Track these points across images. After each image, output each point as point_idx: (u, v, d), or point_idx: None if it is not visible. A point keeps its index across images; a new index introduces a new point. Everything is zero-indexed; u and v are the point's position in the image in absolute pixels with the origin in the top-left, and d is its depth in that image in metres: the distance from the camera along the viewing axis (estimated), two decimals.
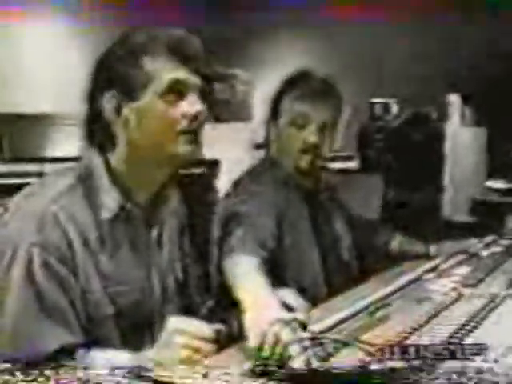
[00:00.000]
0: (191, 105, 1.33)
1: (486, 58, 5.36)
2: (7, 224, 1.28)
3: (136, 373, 1.07)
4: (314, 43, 6.24)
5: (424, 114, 4.81)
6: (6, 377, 1.05)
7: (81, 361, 1.21)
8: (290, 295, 1.43)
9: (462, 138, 4.94)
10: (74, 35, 5.10)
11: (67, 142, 3.70)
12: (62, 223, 1.25)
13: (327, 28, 5.89)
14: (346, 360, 1.10)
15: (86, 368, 1.12)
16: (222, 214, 1.82)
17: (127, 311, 1.33)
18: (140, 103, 1.31)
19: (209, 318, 1.43)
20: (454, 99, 4.92)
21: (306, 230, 1.93)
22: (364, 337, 1.25)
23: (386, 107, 5.21)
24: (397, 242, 2.20)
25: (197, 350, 1.17)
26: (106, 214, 1.32)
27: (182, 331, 1.18)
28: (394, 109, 5.18)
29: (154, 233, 1.42)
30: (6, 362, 1.12)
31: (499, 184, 4.71)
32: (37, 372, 1.06)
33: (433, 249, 2.13)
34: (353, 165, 5.01)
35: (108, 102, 1.32)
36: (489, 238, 2.26)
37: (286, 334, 1.15)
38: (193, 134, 1.34)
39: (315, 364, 1.08)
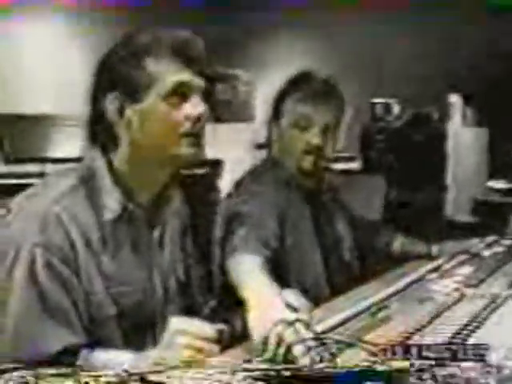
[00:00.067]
0: (194, 107, 1.33)
1: (486, 58, 5.36)
2: (10, 224, 1.28)
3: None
4: (314, 43, 6.24)
5: (425, 115, 4.82)
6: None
7: (83, 361, 1.21)
8: (292, 295, 1.43)
9: (463, 138, 4.95)
10: (74, 35, 5.10)
11: (68, 143, 3.70)
12: (64, 224, 1.25)
13: (327, 28, 5.89)
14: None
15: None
16: (224, 214, 1.82)
17: (129, 312, 1.33)
18: (143, 105, 1.31)
19: (211, 318, 1.43)
20: (456, 99, 4.93)
21: (308, 231, 1.92)
22: (367, 337, 1.25)
23: (387, 108, 5.22)
24: (399, 243, 2.20)
25: (199, 351, 1.16)
26: (108, 215, 1.32)
27: (184, 331, 1.18)
28: (396, 109, 5.18)
29: (156, 233, 1.42)
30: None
31: (500, 184, 4.72)
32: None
33: (435, 249, 2.13)
34: (355, 165, 5.01)
35: (111, 103, 1.32)
36: (490, 238, 2.25)
37: (289, 335, 1.15)
38: (195, 136, 1.34)
39: (318, 364, 1.08)
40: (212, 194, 3.76)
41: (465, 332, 1.27)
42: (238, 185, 1.94)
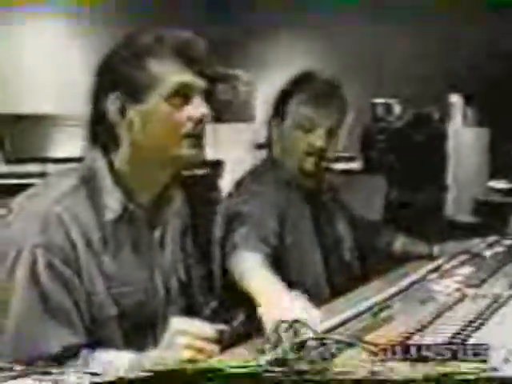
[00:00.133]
0: (197, 108, 1.33)
1: (486, 58, 5.36)
2: (11, 225, 1.28)
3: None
4: (315, 43, 6.24)
5: (426, 115, 4.82)
6: None
7: (84, 361, 1.21)
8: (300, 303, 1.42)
9: (464, 138, 4.95)
10: (74, 35, 5.10)
11: (69, 143, 3.70)
12: (65, 224, 1.25)
13: (327, 28, 5.89)
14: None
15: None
16: (225, 213, 1.82)
17: (130, 312, 1.33)
18: (145, 106, 1.31)
19: (212, 318, 1.43)
20: (456, 99, 4.93)
21: (308, 231, 1.92)
22: (368, 337, 1.25)
23: (388, 108, 5.22)
24: (400, 243, 2.20)
25: (199, 351, 1.16)
26: (109, 215, 1.31)
27: (185, 332, 1.18)
28: (396, 110, 5.19)
29: (157, 233, 1.42)
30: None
31: (501, 184, 4.72)
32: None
33: (436, 249, 2.12)
34: (355, 166, 5.01)
35: (112, 104, 1.32)
36: (491, 239, 2.25)
37: (289, 335, 1.15)
38: (197, 138, 1.34)
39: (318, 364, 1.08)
40: (213, 193, 3.76)
41: (465, 332, 1.27)
42: (239, 185, 1.93)
